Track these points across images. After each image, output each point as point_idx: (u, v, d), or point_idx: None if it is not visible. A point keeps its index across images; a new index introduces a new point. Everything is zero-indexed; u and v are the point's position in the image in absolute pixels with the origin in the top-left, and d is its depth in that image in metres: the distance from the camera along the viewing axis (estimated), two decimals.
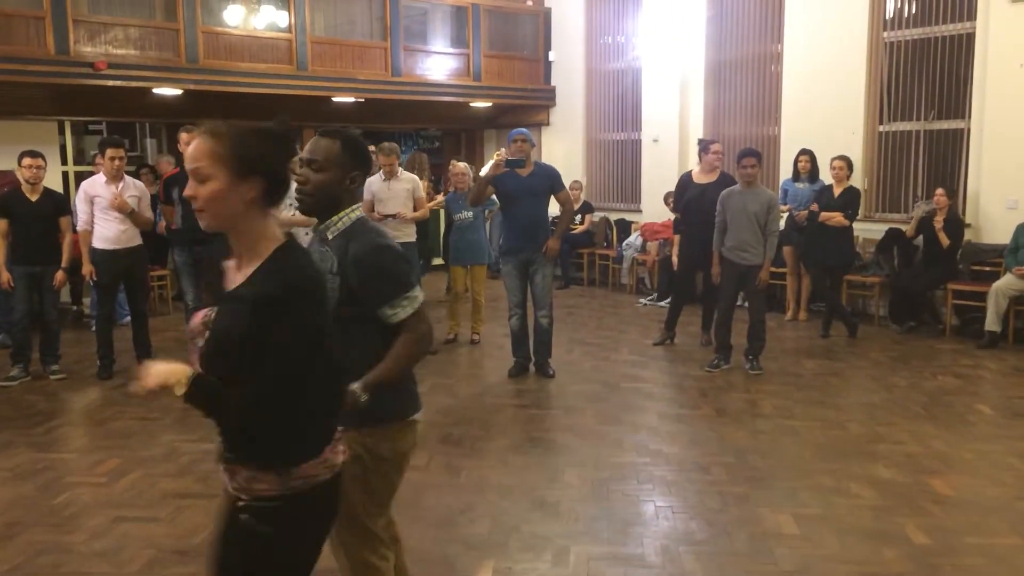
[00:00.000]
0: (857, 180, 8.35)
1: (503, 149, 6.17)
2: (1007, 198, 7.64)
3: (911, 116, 8.54)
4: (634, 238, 10.49)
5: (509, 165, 6.06)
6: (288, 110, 10.32)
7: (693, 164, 8.42)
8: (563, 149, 11.95)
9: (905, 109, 8.57)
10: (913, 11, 8.47)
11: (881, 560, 3.46)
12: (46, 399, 6.00)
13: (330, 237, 2.40)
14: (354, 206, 2.43)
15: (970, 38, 7.96)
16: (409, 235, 6.87)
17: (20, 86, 8.35)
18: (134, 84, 8.78)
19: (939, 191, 7.66)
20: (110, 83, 8.60)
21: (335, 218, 2.40)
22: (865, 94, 8.69)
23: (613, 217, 11.35)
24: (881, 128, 8.75)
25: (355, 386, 2.23)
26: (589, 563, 3.44)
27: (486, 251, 7.66)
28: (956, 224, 7.63)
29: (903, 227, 8.17)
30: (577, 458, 4.70)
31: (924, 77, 8.39)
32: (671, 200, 8.90)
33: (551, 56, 12.02)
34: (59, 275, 6.44)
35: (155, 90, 9.08)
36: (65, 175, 9.62)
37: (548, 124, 12.25)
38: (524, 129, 6.44)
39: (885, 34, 8.62)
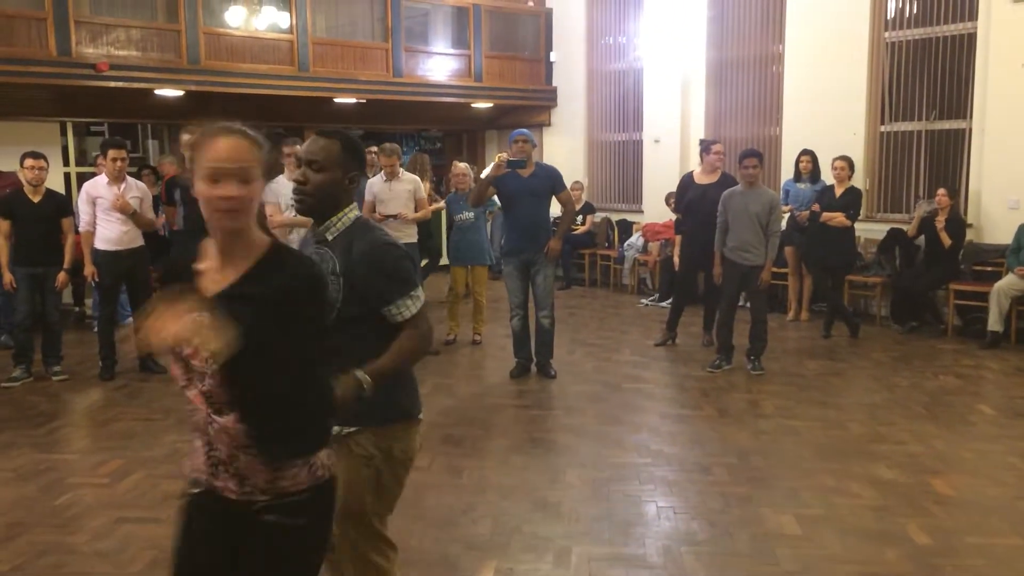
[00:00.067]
0: (859, 180, 8.35)
1: (505, 152, 6.18)
2: (1009, 198, 7.64)
3: (912, 116, 8.53)
4: (635, 239, 10.50)
5: (510, 166, 6.06)
6: (289, 111, 10.40)
7: (694, 165, 8.42)
8: (564, 150, 11.94)
9: (906, 109, 8.57)
10: (914, 11, 8.47)
11: (882, 560, 3.46)
12: (48, 400, 6.00)
13: (330, 238, 2.40)
14: (351, 206, 2.44)
15: (971, 38, 7.96)
16: (410, 236, 6.87)
17: (22, 87, 8.37)
18: (136, 85, 8.80)
19: (941, 191, 7.65)
20: (112, 84, 8.62)
21: (334, 218, 2.40)
22: (866, 94, 8.69)
23: (614, 218, 11.35)
24: (882, 128, 8.75)
25: (358, 373, 2.21)
26: (590, 564, 3.44)
27: (487, 252, 7.66)
28: (958, 224, 7.62)
29: (905, 227, 8.16)
30: (578, 459, 4.70)
31: (925, 77, 8.39)
32: (672, 201, 8.91)
33: (552, 57, 12.02)
34: (61, 276, 6.44)
35: (157, 91, 9.09)
36: (67, 176, 9.65)
37: (549, 125, 12.25)
38: (525, 130, 6.44)
39: (886, 34, 8.62)
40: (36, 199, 6.33)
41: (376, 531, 2.48)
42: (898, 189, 8.73)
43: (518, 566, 3.44)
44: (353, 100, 10.52)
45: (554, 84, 12.09)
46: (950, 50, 8.20)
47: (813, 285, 8.44)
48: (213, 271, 1.88)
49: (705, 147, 7.44)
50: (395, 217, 6.75)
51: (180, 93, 9.20)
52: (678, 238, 7.98)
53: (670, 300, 8.21)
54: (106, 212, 6.35)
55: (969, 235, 7.84)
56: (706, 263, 6.91)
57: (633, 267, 10.48)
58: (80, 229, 6.49)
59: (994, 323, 7.16)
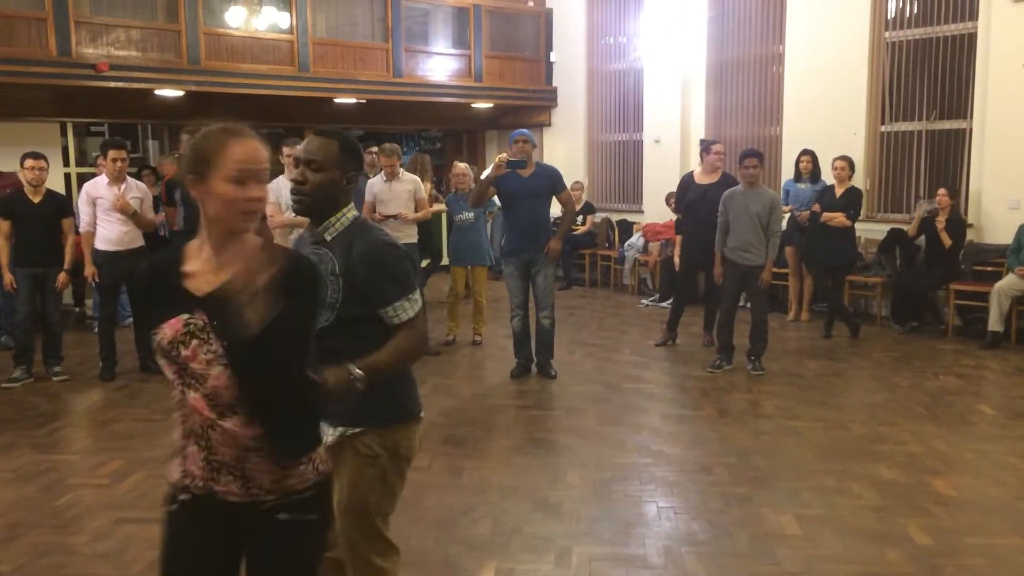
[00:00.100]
0: (859, 180, 8.35)
1: (505, 153, 6.18)
2: (1009, 198, 7.63)
3: (913, 116, 8.53)
4: (636, 239, 10.49)
5: (510, 166, 6.06)
6: (290, 111, 10.40)
7: (695, 165, 8.42)
8: (564, 150, 11.95)
9: (907, 109, 8.57)
10: (915, 11, 8.47)
11: (883, 561, 3.46)
12: (49, 400, 6.00)
13: (328, 238, 2.39)
14: (350, 206, 2.43)
15: (972, 38, 7.96)
16: (410, 236, 6.87)
17: (22, 87, 8.37)
18: (136, 85, 8.80)
19: (941, 191, 7.65)
20: (112, 84, 8.62)
21: (333, 219, 2.40)
22: (867, 94, 8.68)
23: (615, 218, 11.35)
24: (883, 128, 8.75)
25: (351, 366, 2.17)
26: (591, 564, 3.44)
27: (487, 252, 7.66)
28: (958, 224, 7.62)
29: (905, 227, 8.16)
30: (579, 459, 4.69)
31: (926, 77, 8.39)
32: (673, 201, 8.91)
33: (552, 57, 12.02)
34: (61, 277, 6.44)
35: (157, 91, 9.09)
36: (67, 176, 9.64)
37: (550, 125, 12.25)
38: (525, 130, 6.44)
39: (887, 34, 8.62)
40: (36, 199, 6.33)
41: (378, 531, 2.48)
42: (898, 189, 8.73)
43: (519, 566, 3.44)
44: (353, 100, 10.52)
45: (554, 84, 12.09)
46: (950, 50, 8.20)
47: (813, 285, 8.43)
48: (207, 272, 1.86)
49: (705, 147, 7.44)
50: (395, 217, 6.75)
51: (180, 93, 9.20)
52: (678, 238, 7.98)
53: (670, 300, 8.21)
54: (106, 212, 6.35)
55: (969, 235, 7.84)
56: (706, 263, 6.91)
57: (633, 267, 10.48)
58: (80, 229, 6.49)
59: (994, 323, 7.16)
